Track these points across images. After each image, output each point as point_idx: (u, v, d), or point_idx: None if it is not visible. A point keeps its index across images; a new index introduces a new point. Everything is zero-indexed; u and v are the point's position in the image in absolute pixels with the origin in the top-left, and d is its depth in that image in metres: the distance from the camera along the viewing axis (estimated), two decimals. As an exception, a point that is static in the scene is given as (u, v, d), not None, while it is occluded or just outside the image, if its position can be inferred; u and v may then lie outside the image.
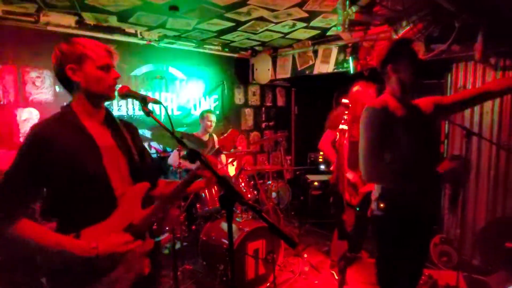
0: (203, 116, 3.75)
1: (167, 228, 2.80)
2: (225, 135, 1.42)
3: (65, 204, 1.15)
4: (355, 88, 2.73)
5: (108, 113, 1.33)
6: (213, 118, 3.74)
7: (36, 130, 1.13)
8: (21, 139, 3.07)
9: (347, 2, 1.90)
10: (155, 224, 2.76)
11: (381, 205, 1.68)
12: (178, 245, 3.00)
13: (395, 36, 2.37)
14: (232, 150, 3.95)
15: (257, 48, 4.67)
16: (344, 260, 2.94)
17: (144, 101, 1.21)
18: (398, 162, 1.65)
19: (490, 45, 2.49)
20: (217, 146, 1.43)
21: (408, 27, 2.25)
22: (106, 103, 1.33)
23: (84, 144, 1.17)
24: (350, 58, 3.69)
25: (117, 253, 1.12)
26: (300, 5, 2.85)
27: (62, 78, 1.20)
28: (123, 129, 1.35)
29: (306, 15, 3.12)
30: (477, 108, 3.27)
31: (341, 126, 2.40)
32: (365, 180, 1.56)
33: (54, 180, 1.12)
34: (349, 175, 2.62)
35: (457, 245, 3.18)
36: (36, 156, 1.09)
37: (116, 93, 1.26)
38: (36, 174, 1.10)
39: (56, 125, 1.16)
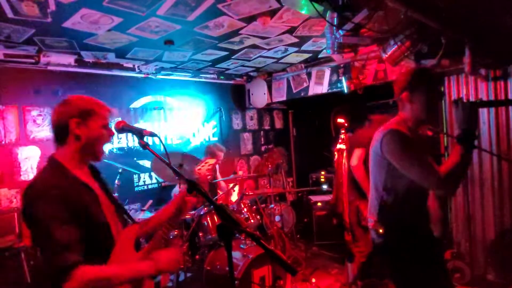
0: (213, 153, 3.68)
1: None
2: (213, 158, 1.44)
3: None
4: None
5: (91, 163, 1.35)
6: (222, 156, 3.72)
7: (45, 189, 1.08)
8: (22, 178, 3.08)
9: (334, 28, 1.97)
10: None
11: (380, 230, 1.64)
12: (182, 277, 2.92)
13: (384, 55, 2.43)
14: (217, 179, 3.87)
15: (251, 73, 4.78)
16: (355, 286, 2.84)
17: (140, 134, 1.25)
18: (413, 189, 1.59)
19: (478, 58, 2.55)
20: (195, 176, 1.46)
21: (396, 46, 2.31)
22: None
23: (87, 195, 1.18)
24: (343, 78, 3.77)
25: None
26: (290, 32, 2.95)
27: (60, 128, 1.19)
28: (102, 175, 1.39)
29: (296, 40, 3.22)
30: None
31: (338, 146, 2.42)
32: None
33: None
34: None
35: (469, 260, 3.09)
36: (63, 207, 1.06)
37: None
38: (74, 220, 1.08)
39: (57, 181, 1.12)
